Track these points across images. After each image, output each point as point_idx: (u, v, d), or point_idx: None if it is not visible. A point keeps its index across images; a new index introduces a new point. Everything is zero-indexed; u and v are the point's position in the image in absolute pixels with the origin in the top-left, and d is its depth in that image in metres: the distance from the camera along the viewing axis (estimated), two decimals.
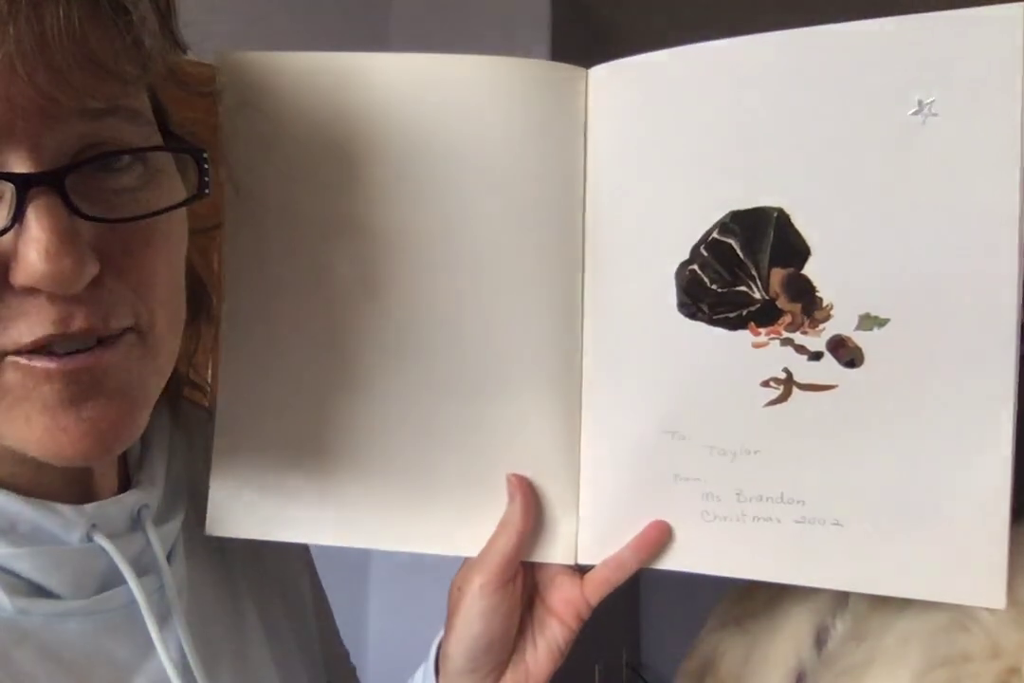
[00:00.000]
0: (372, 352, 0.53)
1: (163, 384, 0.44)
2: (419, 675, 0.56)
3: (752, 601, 0.57)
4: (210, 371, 0.57)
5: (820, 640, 0.53)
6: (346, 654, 0.68)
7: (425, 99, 0.51)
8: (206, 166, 0.41)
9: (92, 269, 0.36)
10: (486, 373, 0.52)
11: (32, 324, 0.36)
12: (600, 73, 0.50)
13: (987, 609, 0.46)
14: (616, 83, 0.50)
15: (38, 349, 0.37)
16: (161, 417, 0.53)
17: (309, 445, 0.53)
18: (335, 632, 0.66)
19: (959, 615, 0.47)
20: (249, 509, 0.53)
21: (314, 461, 0.53)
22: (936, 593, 0.47)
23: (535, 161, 0.51)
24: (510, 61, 0.50)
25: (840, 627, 0.53)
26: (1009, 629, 0.45)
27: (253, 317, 0.54)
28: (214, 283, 0.54)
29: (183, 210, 0.42)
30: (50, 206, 0.35)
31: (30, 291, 0.36)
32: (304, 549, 0.63)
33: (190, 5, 0.39)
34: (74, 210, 0.36)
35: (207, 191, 0.41)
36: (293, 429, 0.53)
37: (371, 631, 2.12)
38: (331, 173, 0.52)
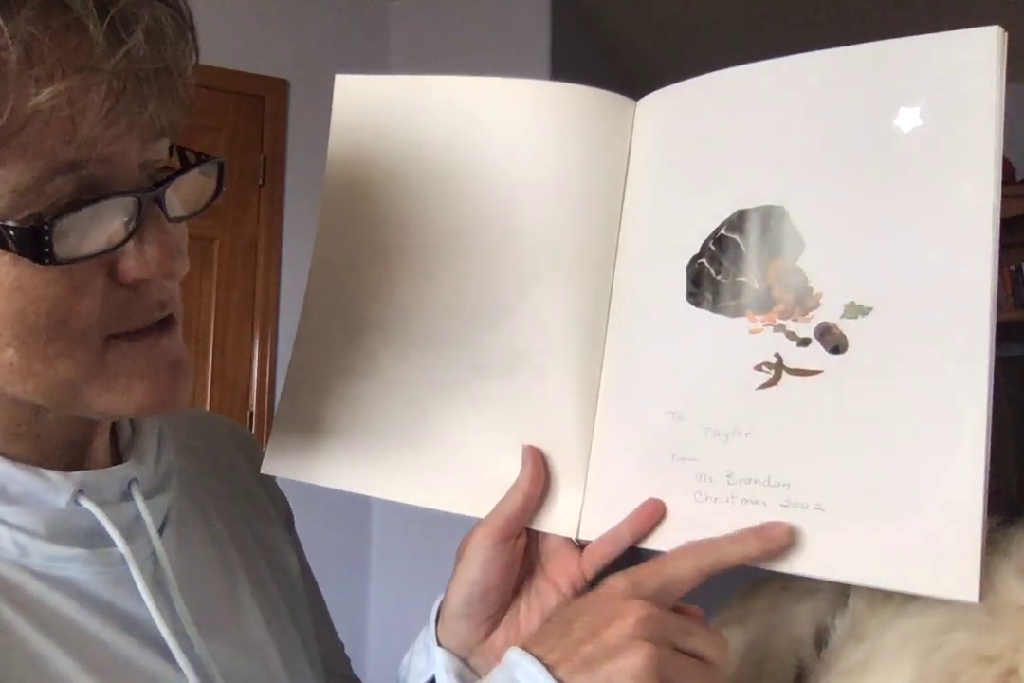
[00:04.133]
0: (424, 333, 0.60)
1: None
2: (422, 630, 0.59)
3: (753, 600, 0.58)
4: None
5: (820, 640, 0.53)
6: (341, 646, 0.71)
7: (494, 119, 0.60)
8: (223, 172, 0.50)
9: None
10: (519, 354, 0.59)
11: (149, 309, 0.46)
12: (646, 103, 0.58)
13: (983, 611, 0.46)
14: (656, 110, 0.58)
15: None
16: None
17: (359, 409, 0.61)
18: (329, 622, 0.70)
19: (957, 616, 0.47)
20: (300, 456, 0.61)
21: (361, 423, 0.61)
22: (911, 584, 0.47)
23: (585, 176, 0.59)
24: (572, 88, 0.59)
25: (840, 627, 0.53)
26: (1007, 630, 0.45)
27: (331, 295, 0.63)
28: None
29: None
30: (158, 213, 0.44)
31: (134, 285, 0.44)
32: (290, 531, 0.68)
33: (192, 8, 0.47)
34: (166, 215, 0.45)
35: (222, 189, 0.50)
36: (348, 395, 0.61)
37: (371, 631, 2.07)
38: (408, 185, 0.61)
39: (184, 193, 0.47)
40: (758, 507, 0.51)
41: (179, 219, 0.47)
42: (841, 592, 0.54)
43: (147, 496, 0.52)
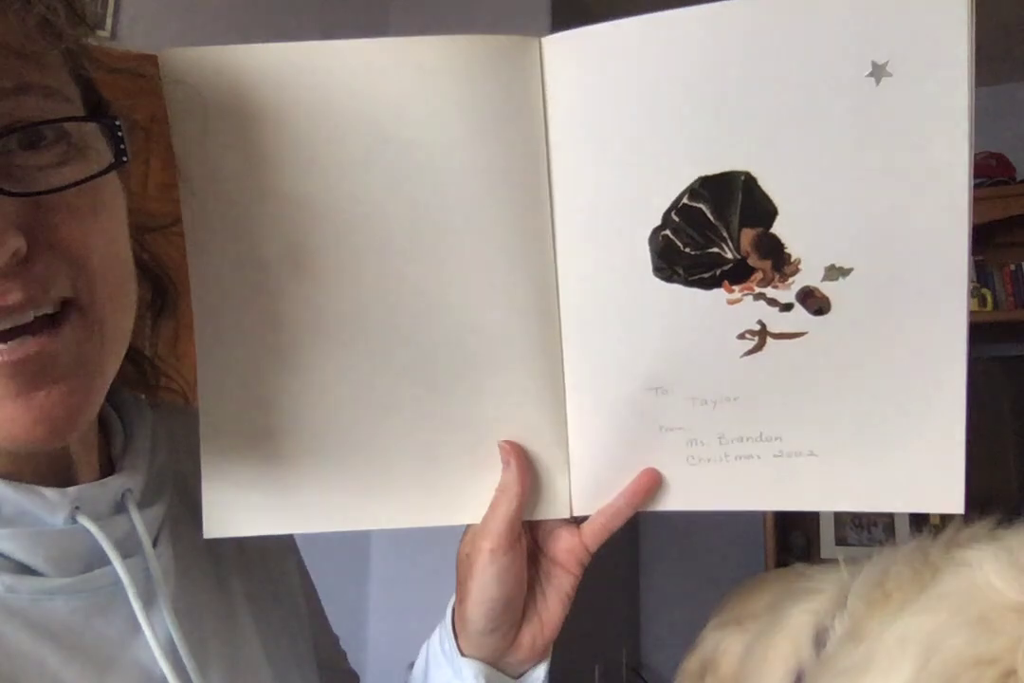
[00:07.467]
0: (350, 338, 0.53)
1: (117, 364, 0.45)
2: (435, 638, 0.58)
3: (753, 601, 0.60)
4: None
5: (819, 641, 0.54)
6: (336, 639, 0.69)
7: (378, 83, 0.50)
8: (120, 134, 0.42)
9: (14, 243, 0.37)
10: (465, 347, 0.53)
11: None
12: (554, 42, 0.50)
13: (982, 613, 0.47)
14: (573, 52, 0.50)
15: None
16: (143, 409, 0.54)
17: (293, 438, 0.53)
18: (323, 614, 0.67)
19: (956, 617, 0.47)
20: (243, 507, 0.53)
21: (300, 452, 0.54)
22: (903, 504, 0.52)
23: (494, 135, 0.51)
24: (460, 39, 0.50)
25: (839, 628, 0.53)
26: (1005, 632, 0.45)
27: (220, 315, 0.53)
28: (178, 280, 0.54)
29: (116, 187, 0.44)
30: None
31: None
32: (290, 539, 0.64)
33: (188, 5, 0.37)
34: None
35: (124, 159, 0.42)
36: (274, 425, 0.53)
37: (371, 629, 2.15)
38: (287, 163, 0.50)
39: (50, 159, 0.40)
40: (752, 461, 0.53)
41: (29, 194, 0.38)
42: (840, 593, 0.55)
43: (141, 507, 0.49)
